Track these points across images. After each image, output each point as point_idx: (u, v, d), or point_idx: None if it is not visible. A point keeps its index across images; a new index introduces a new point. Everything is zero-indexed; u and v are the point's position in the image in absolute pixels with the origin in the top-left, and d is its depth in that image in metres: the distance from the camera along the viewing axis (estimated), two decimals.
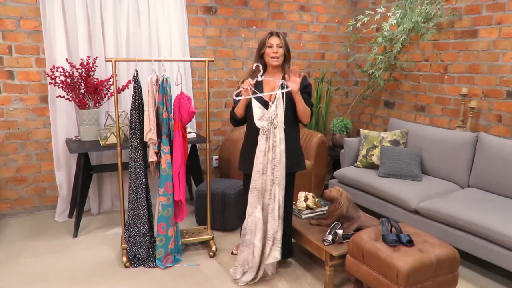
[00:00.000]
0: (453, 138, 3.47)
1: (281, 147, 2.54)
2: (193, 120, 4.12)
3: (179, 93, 2.80)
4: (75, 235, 3.34)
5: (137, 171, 2.85)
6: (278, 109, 2.53)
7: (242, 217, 2.73)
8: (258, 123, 2.53)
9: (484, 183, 3.25)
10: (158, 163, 2.87)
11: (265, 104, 2.57)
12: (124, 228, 2.95)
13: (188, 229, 3.23)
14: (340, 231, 2.57)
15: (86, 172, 3.42)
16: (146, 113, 2.72)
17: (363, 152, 3.82)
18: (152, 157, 2.82)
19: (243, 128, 3.67)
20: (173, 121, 2.81)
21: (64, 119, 3.58)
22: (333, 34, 4.84)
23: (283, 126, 2.54)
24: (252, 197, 2.62)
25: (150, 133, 2.73)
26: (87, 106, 3.45)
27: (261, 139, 2.55)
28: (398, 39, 3.95)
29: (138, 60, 2.79)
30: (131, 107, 2.79)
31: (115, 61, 2.71)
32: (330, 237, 2.57)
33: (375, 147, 3.77)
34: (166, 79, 2.75)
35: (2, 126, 3.54)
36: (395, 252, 2.25)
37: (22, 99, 3.56)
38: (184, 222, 3.49)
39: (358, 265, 2.39)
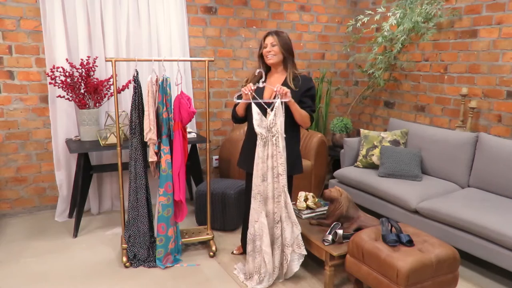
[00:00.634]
0: (453, 138, 3.48)
1: (285, 155, 2.54)
2: (193, 120, 4.12)
3: (179, 93, 2.80)
4: (75, 235, 3.34)
5: (137, 171, 2.85)
6: (277, 118, 2.50)
7: (243, 217, 2.72)
8: (256, 129, 2.53)
9: (484, 183, 3.25)
10: (158, 163, 2.87)
11: (264, 111, 2.56)
12: (124, 228, 2.95)
13: (188, 229, 3.23)
14: (340, 231, 2.57)
15: (86, 172, 3.42)
16: (146, 113, 2.72)
17: (363, 152, 3.82)
18: (152, 157, 2.82)
19: (243, 128, 3.69)
20: (173, 121, 2.81)
21: (64, 119, 3.58)
22: (333, 34, 4.84)
23: (284, 135, 2.53)
24: (255, 203, 2.61)
25: (150, 133, 2.73)
26: (87, 106, 3.45)
27: (259, 146, 2.55)
28: (398, 39, 3.95)
29: (138, 60, 2.79)
30: (131, 107, 2.79)
31: (115, 61, 2.71)
32: (330, 237, 2.57)
33: (375, 147, 3.77)
34: (166, 79, 2.75)
35: (2, 126, 3.54)
36: (395, 252, 2.25)
37: (22, 99, 3.56)
38: (184, 222, 3.49)
39: (358, 265, 2.39)
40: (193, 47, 4.09)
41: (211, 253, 3.04)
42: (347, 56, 4.96)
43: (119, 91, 3.45)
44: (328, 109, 4.82)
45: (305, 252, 2.62)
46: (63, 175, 3.65)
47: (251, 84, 2.57)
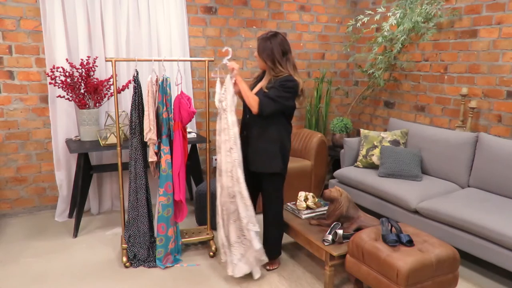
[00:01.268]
0: (453, 138, 3.47)
1: (234, 130, 2.59)
2: (193, 120, 4.12)
3: (179, 93, 2.80)
4: (75, 235, 3.34)
5: (137, 171, 2.85)
6: (227, 93, 2.61)
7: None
8: (216, 103, 2.69)
9: (484, 183, 3.25)
10: (158, 163, 2.87)
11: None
12: (124, 228, 2.95)
13: (188, 229, 3.23)
14: (340, 231, 2.57)
15: (86, 172, 3.42)
16: (146, 113, 2.72)
17: (363, 152, 3.82)
18: (152, 157, 2.82)
19: None
20: (173, 121, 2.82)
21: (64, 119, 3.58)
22: (333, 34, 4.84)
23: (233, 110, 2.61)
24: (216, 176, 2.73)
25: (150, 133, 2.74)
26: (87, 106, 3.45)
27: (217, 119, 2.69)
28: (398, 39, 3.95)
29: (138, 60, 2.79)
30: (131, 107, 2.79)
31: (115, 61, 2.71)
32: (330, 237, 2.57)
33: (375, 147, 3.77)
34: (166, 79, 2.76)
35: (2, 126, 3.54)
36: (395, 252, 2.25)
37: (22, 99, 3.56)
38: (184, 222, 3.49)
39: (358, 265, 2.39)
40: (193, 47, 4.09)
41: (211, 253, 3.04)
42: (347, 56, 4.96)
43: (119, 91, 3.45)
44: (328, 109, 4.82)
45: (257, 229, 2.64)
46: (63, 175, 3.65)
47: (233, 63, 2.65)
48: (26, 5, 3.42)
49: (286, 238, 3.28)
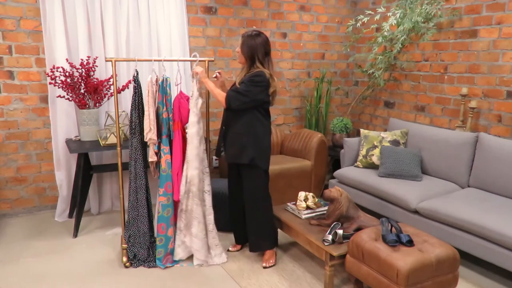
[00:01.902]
0: (453, 138, 3.47)
1: (191, 130, 2.79)
2: None
3: (178, 93, 2.81)
4: (75, 235, 3.33)
5: (137, 171, 2.85)
6: (193, 97, 2.79)
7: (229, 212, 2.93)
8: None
9: (484, 183, 3.25)
10: (158, 163, 2.87)
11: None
12: (124, 228, 2.95)
13: None
14: (340, 231, 2.57)
15: (86, 172, 3.42)
16: (146, 113, 2.72)
17: (363, 152, 3.82)
18: (152, 157, 2.82)
19: None
20: (172, 121, 2.82)
21: (64, 119, 3.58)
22: (333, 34, 4.84)
23: (194, 112, 2.78)
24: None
25: (150, 133, 2.74)
26: (87, 106, 3.45)
27: None
28: (398, 39, 3.95)
29: (138, 60, 2.79)
30: (131, 107, 2.79)
31: (115, 61, 2.71)
32: (330, 237, 2.57)
33: (375, 147, 3.77)
34: (166, 79, 2.76)
35: (2, 126, 3.54)
36: (395, 252, 2.25)
37: (22, 99, 3.56)
38: None
39: (358, 265, 2.39)
40: (193, 47, 4.09)
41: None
42: (347, 56, 4.96)
43: (119, 91, 3.45)
44: (328, 109, 4.82)
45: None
46: (63, 175, 3.65)
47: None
48: (26, 5, 3.42)
49: (286, 238, 3.28)
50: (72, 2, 3.46)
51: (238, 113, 2.72)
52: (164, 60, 2.83)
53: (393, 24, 3.87)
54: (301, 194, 3.04)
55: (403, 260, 2.17)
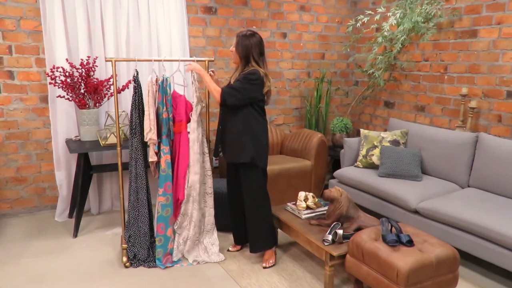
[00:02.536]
0: (453, 138, 3.47)
1: (192, 136, 2.85)
2: None
3: (183, 94, 2.85)
4: (75, 235, 3.33)
5: (138, 171, 2.85)
6: (193, 87, 2.83)
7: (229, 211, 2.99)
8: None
9: (484, 183, 3.25)
10: (158, 163, 2.87)
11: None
12: (124, 228, 2.95)
13: None
14: (340, 231, 2.57)
15: (86, 172, 3.42)
16: (146, 113, 2.72)
17: (363, 152, 3.82)
18: (152, 157, 2.82)
19: None
20: (173, 121, 2.83)
21: (64, 119, 3.58)
22: (333, 34, 4.84)
23: (194, 102, 2.84)
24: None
25: (150, 133, 2.74)
26: (87, 106, 3.45)
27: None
28: (398, 39, 3.95)
29: (138, 60, 2.80)
30: (131, 107, 2.79)
31: (115, 61, 2.71)
32: (330, 237, 2.57)
33: (375, 147, 3.77)
34: (166, 79, 2.76)
35: (2, 126, 3.54)
36: (395, 252, 2.25)
37: (22, 99, 3.56)
38: None
39: (358, 265, 2.39)
40: (193, 47, 4.09)
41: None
42: (347, 56, 4.96)
43: (119, 91, 3.45)
44: (328, 109, 4.82)
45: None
46: (63, 175, 3.65)
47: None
48: (26, 5, 3.42)
49: (286, 238, 3.28)
50: (72, 2, 3.46)
51: (234, 111, 2.72)
52: (164, 60, 2.83)
53: (393, 24, 3.87)
54: (301, 194, 3.04)
55: (403, 260, 2.16)
